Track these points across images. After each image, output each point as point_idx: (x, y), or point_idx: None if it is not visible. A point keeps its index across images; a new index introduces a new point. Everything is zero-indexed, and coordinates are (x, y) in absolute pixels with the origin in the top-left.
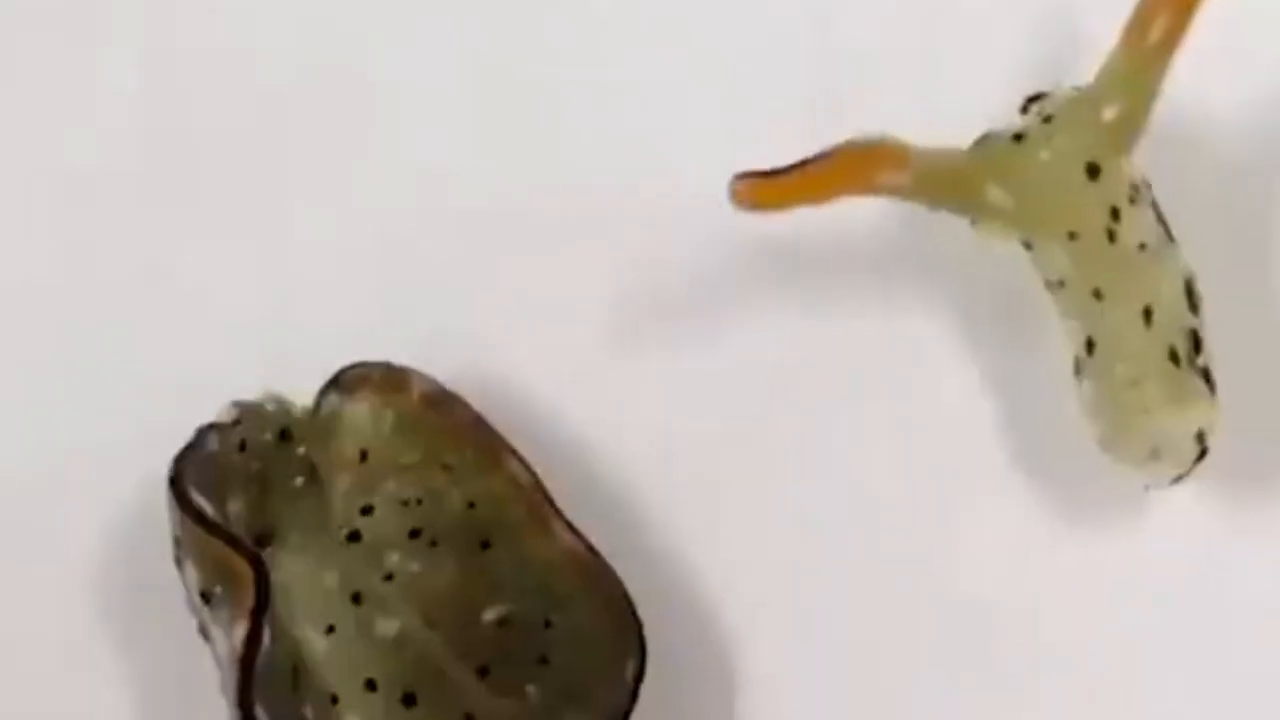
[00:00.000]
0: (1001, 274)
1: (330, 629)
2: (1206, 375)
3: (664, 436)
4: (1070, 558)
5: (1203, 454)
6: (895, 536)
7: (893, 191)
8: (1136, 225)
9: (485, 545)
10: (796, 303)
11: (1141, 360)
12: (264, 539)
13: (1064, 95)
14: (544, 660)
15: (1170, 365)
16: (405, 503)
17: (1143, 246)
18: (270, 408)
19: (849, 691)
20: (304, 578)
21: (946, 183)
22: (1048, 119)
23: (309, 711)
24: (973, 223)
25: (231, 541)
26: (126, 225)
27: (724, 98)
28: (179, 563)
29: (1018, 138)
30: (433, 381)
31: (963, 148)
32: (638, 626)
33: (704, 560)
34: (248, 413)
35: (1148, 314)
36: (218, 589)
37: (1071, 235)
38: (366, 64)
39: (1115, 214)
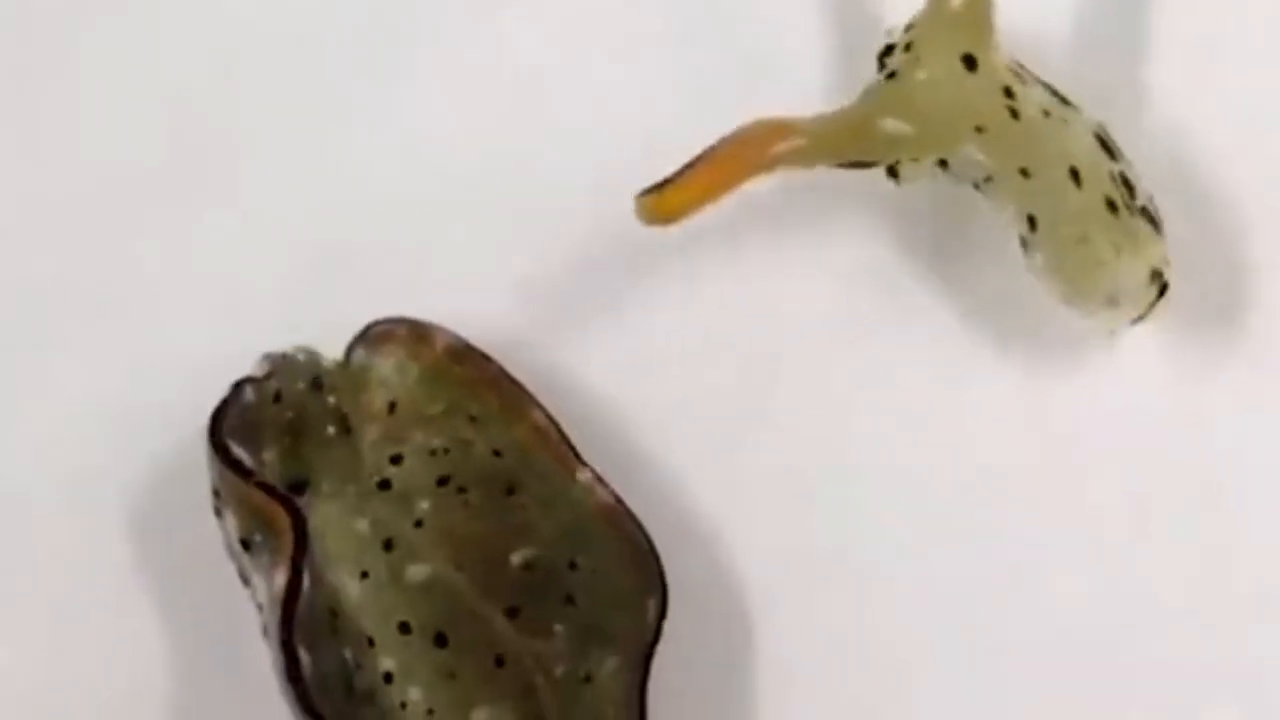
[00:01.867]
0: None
1: (364, 574)
2: (1148, 214)
3: (678, 387)
4: (1061, 425)
5: (1163, 290)
6: (910, 473)
7: (794, 160)
8: (1032, 97)
9: (511, 491)
10: (786, 253)
11: (1083, 217)
12: (298, 486)
13: (910, 24)
14: (570, 600)
15: (1110, 215)
16: (433, 452)
17: (1046, 114)
18: (301, 358)
19: (865, 622)
20: (337, 525)
21: (843, 135)
22: (908, 47)
23: (348, 653)
24: (888, 171)
25: (269, 490)
26: (165, 194)
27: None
28: (219, 512)
29: (891, 75)
30: (455, 336)
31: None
32: (658, 566)
33: (719, 500)
34: (280, 364)
35: (1074, 174)
36: (257, 536)
37: (979, 129)
38: (384, 28)
39: (1009, 92)
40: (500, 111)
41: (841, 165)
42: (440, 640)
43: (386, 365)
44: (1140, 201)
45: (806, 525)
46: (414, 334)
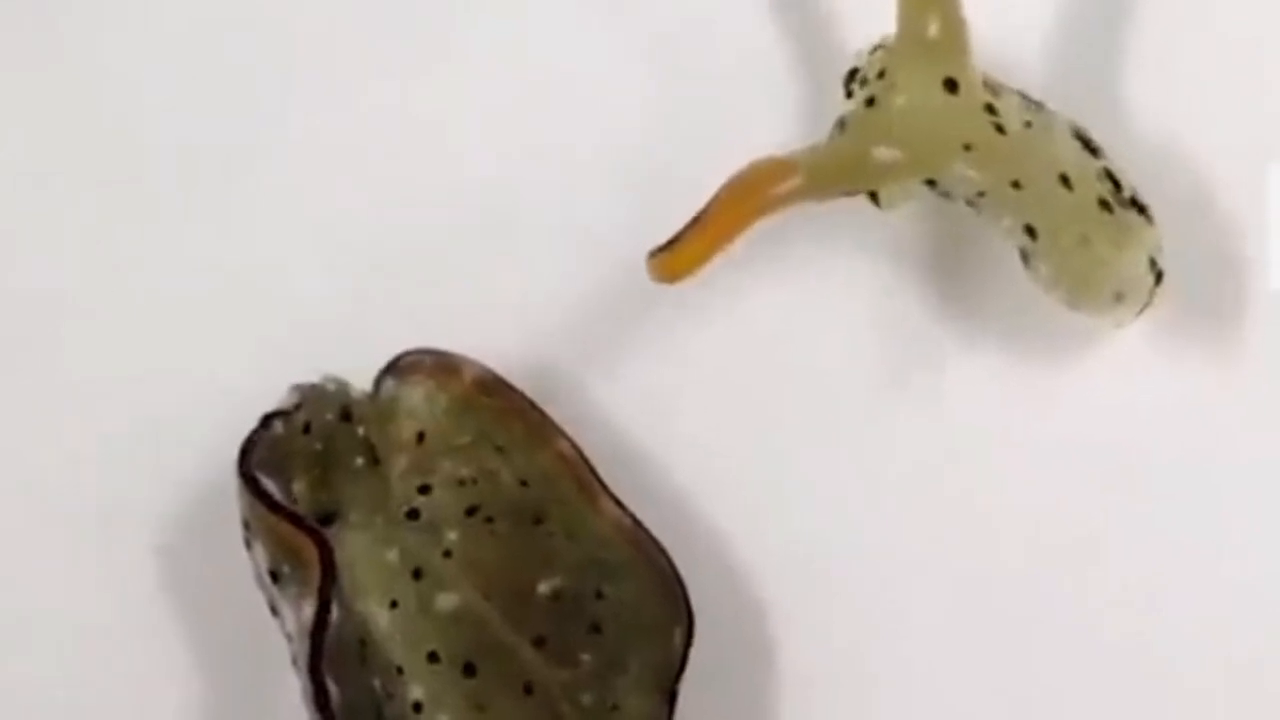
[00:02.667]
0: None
1: (393, 604)
2: (1136, 204)
3: (701, 416)
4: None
5: (1159, 277)
6: (932, 494)
7: (792, 199)
8: (1012, 110)
9: (538, 521)
10: (799, 281)
11: (1080, 220)
12: (328, 517)
13: (881, 49)
14: (597, 629)
15: (1105, 213)
16: (461, 482)
17: (1028, 124)
18: (331, 388)
19: (889, 647)
20: (366, 555)
21: (838, 168)
22: (882, 73)
23: (376, 682)
24: (874, 198)
25: (297, 522)
26: (197, 227)
27: None
28: (248, 544)
29: (870, 102)
30: (482, 366)
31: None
32: (684, 595)
33: (743, 528)
34: (309, 395)
35: (1064, 179)
36: (285, 568)
37: (967, 148)
38: (415, 59)
39: (991, 109)
40: (528, 145)
41: (833, 198)
42: (469, 669)
43: (415, 396)
44: (1128, 193)
45: (828, 551)
46: (442, 365)
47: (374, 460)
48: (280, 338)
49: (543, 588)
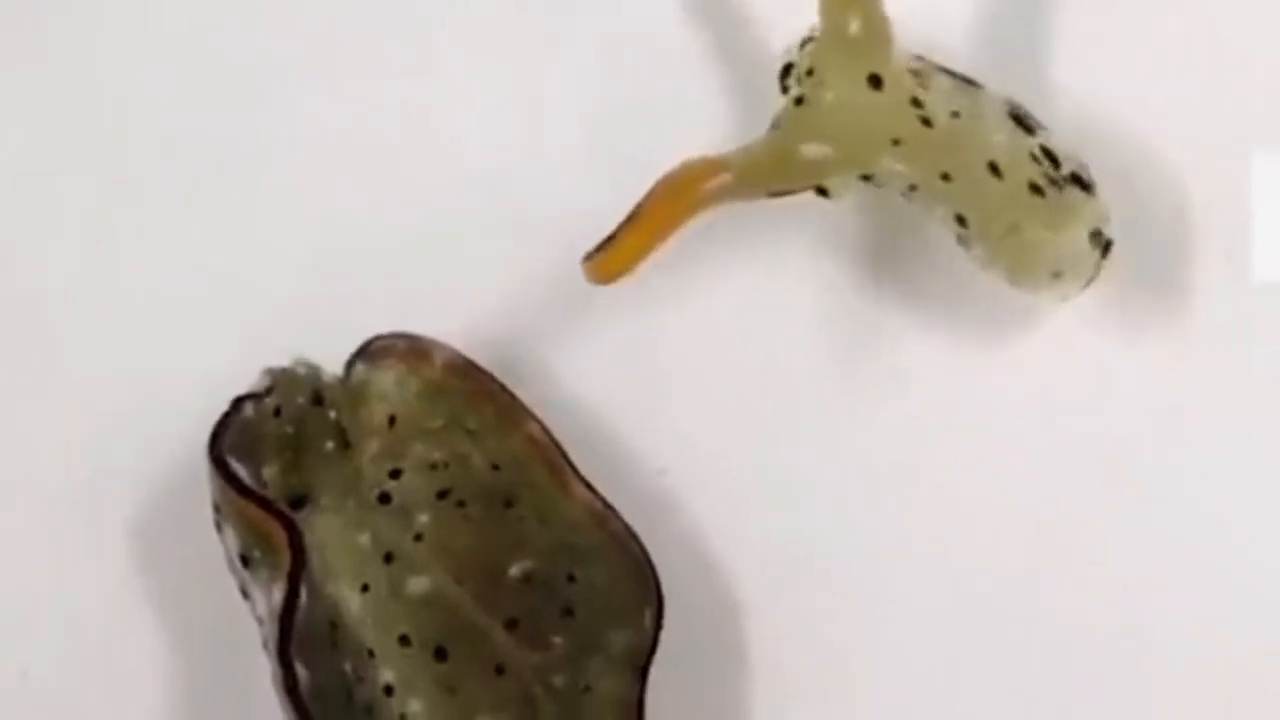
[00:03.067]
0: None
1: (365, 587)
2: (1077, 179)
3: (671, 399)
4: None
5: (1106, 248)
6: (901, 477)
7: (724, 196)
8: (939, 100)
9: (509, 504)
10: (764, 270)
11: (1010, 208)
12: (299, 501)
13: (808, 47)
14: (568, 612)
15: (1036, 198)
16: (433, 466)
17: (956, 114)
18: (301, 371)
19: (859, 630)
20: (338, 538)
21: (767, 165)
22: (810, 71)
23: (348, 666)
24: (817, 189)
25: (267, 507)
26: (168, 210)
27: None
28: (219, 527)
29: (799, 100)
30: (453, 351)
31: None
32: (654, 577)
33: (713, 511)
34: (280, 378)
35: (994, 168)
36: (256, 552)
37: (895, 142)
38: (389, 49)
39: (917, 102)
40: (499, 132)
41: (769, 195)
42: (440, 653)
43: (386, 380)
44: (1067, 169)
45: (796, 534)
46: (413, 349)
47: (345, 444)
48: (251, 323)
49: (514, 571)
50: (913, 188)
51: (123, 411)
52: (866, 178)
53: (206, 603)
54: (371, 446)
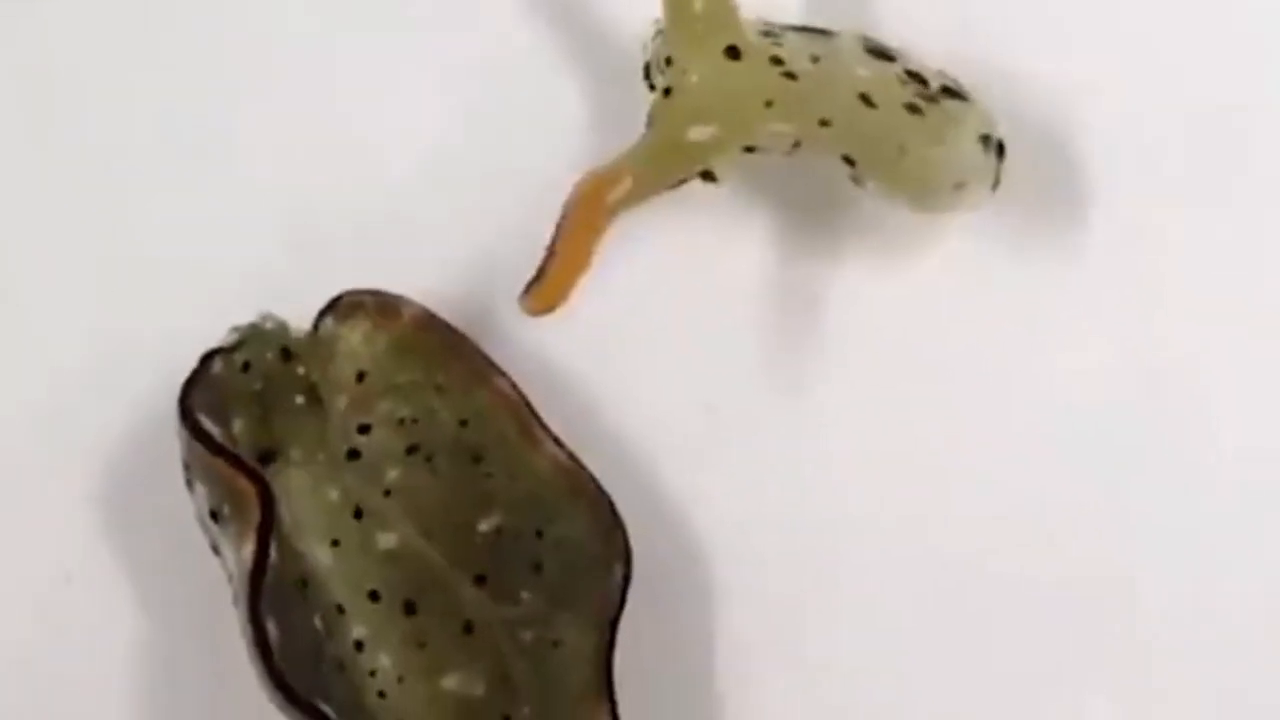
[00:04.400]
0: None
1: (335, 542)
2: (949, 91)
3: (640, 358)
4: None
5: (1000, 150)
6: (866, 441)
7: (629, 202)
8: (796, 53)
9: (477, 460)
10: (725, 236)
11: (892, 132)
12: (269, 456)
13: (659, 39)
14: (537, 568)
15: (916, 117)
16: (401, 421)
17: (815, 59)
18: (269, 326)
19: (823, 585)
20: (307, 494)
21: (660, 160)
22: (669, 61)
23: (318, 621)
24: (702, 176)
25: (237, 463)
26: (138, 169)
27: None
28: (189, 484)
29: (667, 91)
30: (421, 307)
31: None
32: (623, 533)
33: (681, 468)
34: (248, 334)
35: (865, 99)
36: (226, 508)
37: (768, 104)
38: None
39: (777, 60)
40: (468, 93)
41: (668, 189)
42: (409, 608)
43: (354, 336)
44: (935, 85)
45: (763, 490)
46: (381, 305)
47: (314, 399)
48: (219, 283)
49: (483, 526)
50: (796, 144)
51: (93, 369)
52: (750, 149)
53: (177, 559)
54: (340, 402)
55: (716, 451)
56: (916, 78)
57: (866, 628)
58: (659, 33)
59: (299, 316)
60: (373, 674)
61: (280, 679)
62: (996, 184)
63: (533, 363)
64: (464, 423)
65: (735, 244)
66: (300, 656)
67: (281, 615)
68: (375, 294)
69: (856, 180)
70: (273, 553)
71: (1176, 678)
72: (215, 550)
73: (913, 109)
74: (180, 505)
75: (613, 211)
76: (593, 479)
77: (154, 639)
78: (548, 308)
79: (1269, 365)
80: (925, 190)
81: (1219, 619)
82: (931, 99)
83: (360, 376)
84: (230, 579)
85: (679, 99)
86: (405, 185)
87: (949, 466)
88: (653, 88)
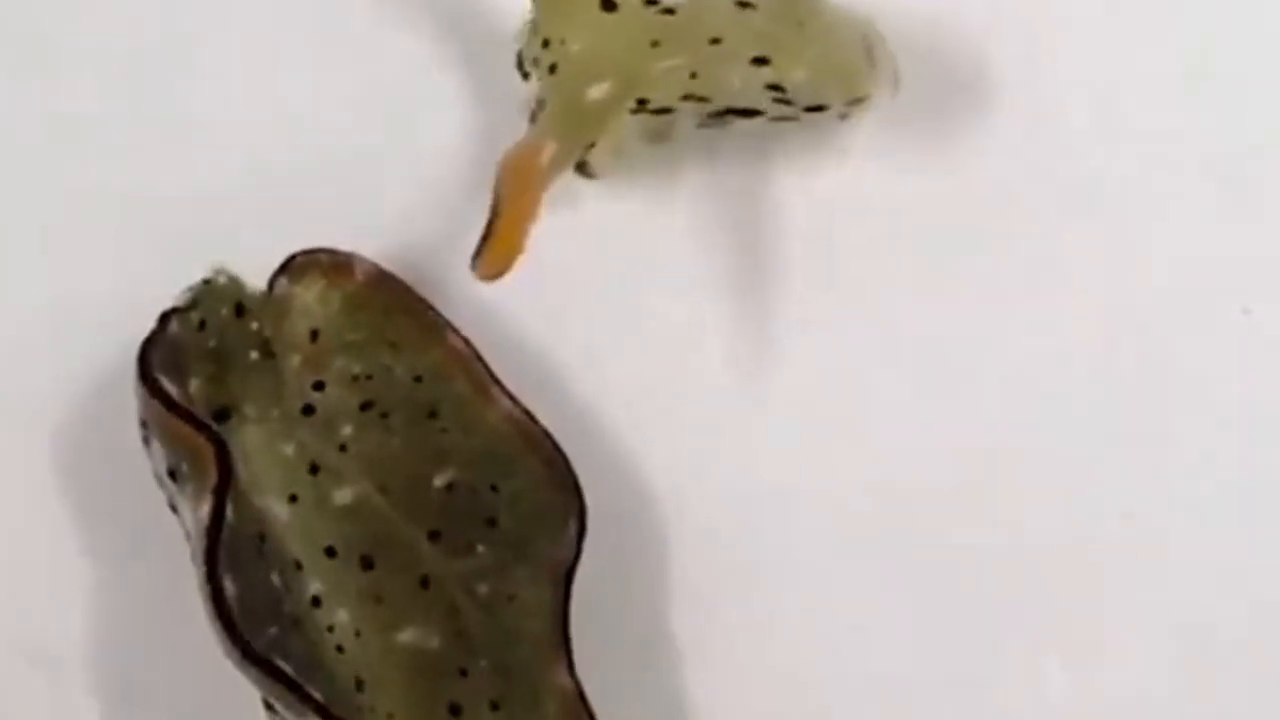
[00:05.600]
0: None
1: (292, 498)
2: None
3: (591, 312)
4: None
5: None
6: (807, 391)
7: (559, 167)
8: None
9: (432, 415)
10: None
11: (781, 16)
12: (225, 413)
13: (531, 22)
14: (492, 522)
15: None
16: (355, 378)
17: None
18: (223, 281)
19: (775, 536)
20: (264, 449)
21: (573, 123)
22: (546, 43)
23: (275, 578)
24: (578, 169)
25: (193, 422)
26: (91, 130)
27: None
28: (146, 442)
29: (553, 68)
30: (375, 265)
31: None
32: (577, 487)
33: (633, 422)
34: (203, 292)
35: (742, 4)
36: (183, 467)
37: (655, 44)
38: None
39: (651, 2)
40: (414, 53)
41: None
42: (366, 563)
43: (308, 294)
44: None
45: (717, 447)
46: (335, 264)
47: (268, 355)
48: (174, 245)
49: (438, 481)
50: (694, 76)
51: (50, 330)
52: (643, 103)
53: (136, 517)
54: (294, 360)
55: (669, 405)
56: None
57: (820, 584)
58: (527, 24)
59: (254, 278)
60: (330, 629)
61: (237, 636)
62: (895, 64)
63: (486, 319)
64: (418, 379)
65: (682, 204)
66: (257, 613)
67: (238, 572)
68: (329, 252)
69: (779, 88)
70: (229, 511)
71: (1128, 640)
72: (173, 508)
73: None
74: (140, 463)
75: (549, 176)
76: (546, 434)
77: (113, 596)
78: (497, 272)
79: (1215, 294)
80: (844, 67)
81: (1171, 581)
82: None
83: (314, 334)
84: (188, 536)
85: (565, 69)
86: (358, 146)
87: (902, 418)
88: (526, 76)
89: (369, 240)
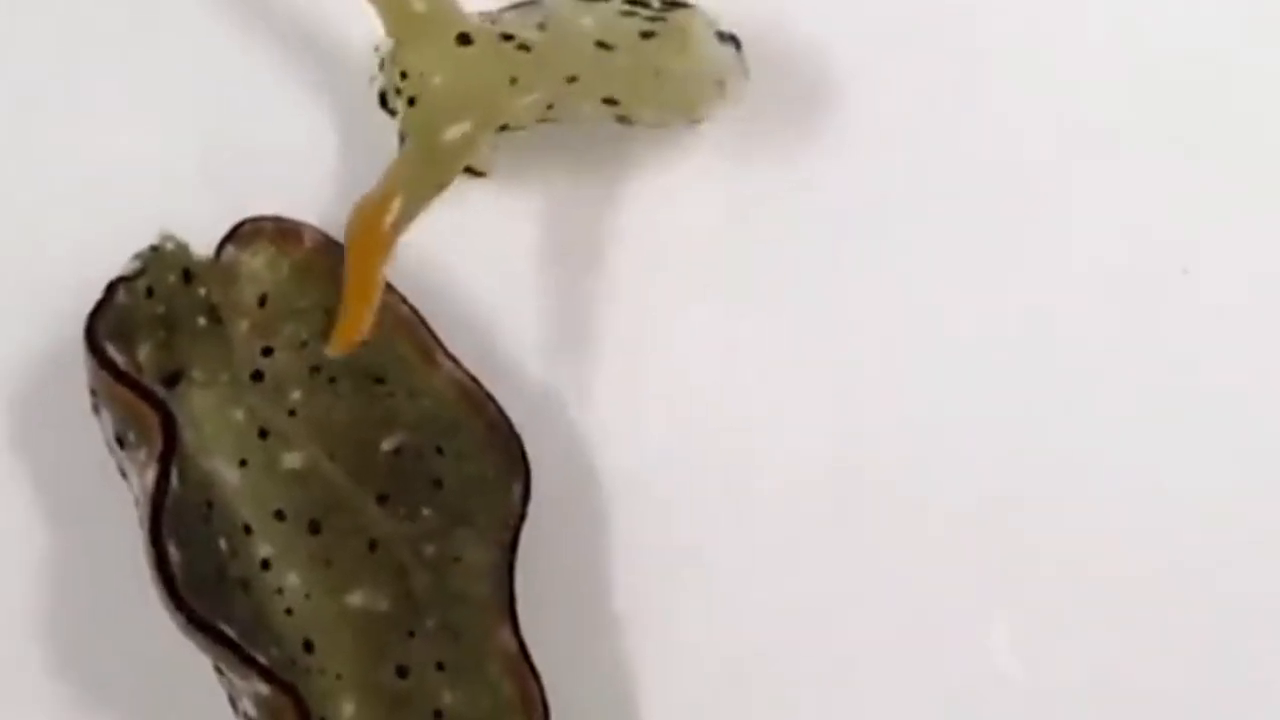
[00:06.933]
0: None
1: (242, 462)
2: (669, 2)
3: (536, 277)
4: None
5: (735, 41)
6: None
7: (407, 220)
8: (521, 26)
9: (379, 380)
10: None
11: (639, 63)
12: (175, 378)
13: (385, 56)
14: (438, 484)
15: (652, 40)
16: (304, 344)
17: (541, 26)
18: (170, 247)
19: (718, 494)
20: (213, 413)
21: (424, 170)
22: (404, 75)
23: (222, 543)
24: (471, 171)
25: (139, 390)
26: (40, 98)
27: None
28: (96, 410)
29: (412, 101)
30: (323, 233)
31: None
32: (521, 449)
33: (576, 385)
34: (150, 259)
35: (602, 45)
36: (131, 435)
37: (513, 80)
38: None
39: (507, 36)
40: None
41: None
42: (314, 527)
43: (256, 261)
44: (656, 2)
45: (662, 409)
46: (283, 231)
47: (216, 320)
48: (125, 211)
49: (385, 445)
50: (550, 107)
51: (1, 299)
52: (504, 127)
53: (88, 484)
54: (242, 326)
55: (615, 372)
56: (636, 2)
57: (766, 552)
58: (383, 58)
59: (202, 246)
60: (279, 592)
61: (181, 602)
62: (748, 72)
63: (431, 285)
64: (364, 344)
65: (618, 175)
66: (202, 579)
67: (184, 538)
68: (276, 220)
69: (625, 119)
70: (174, 478)
71: (1076, 606)
72: (123, 474)
73: (647, 35)
74: (92, 431)
75: (394, 235)
76: (491, 397)
77: (65, 563)
78: (354, 340)
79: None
80: (694, 99)
81: (1117, 545)
82: (658, 18)
83: (262, 300)
84: (137, 503)
85: (426, 102)
86: (305, 116)
87: (845, 392)
88: (392, 113)
89: (317, 209)
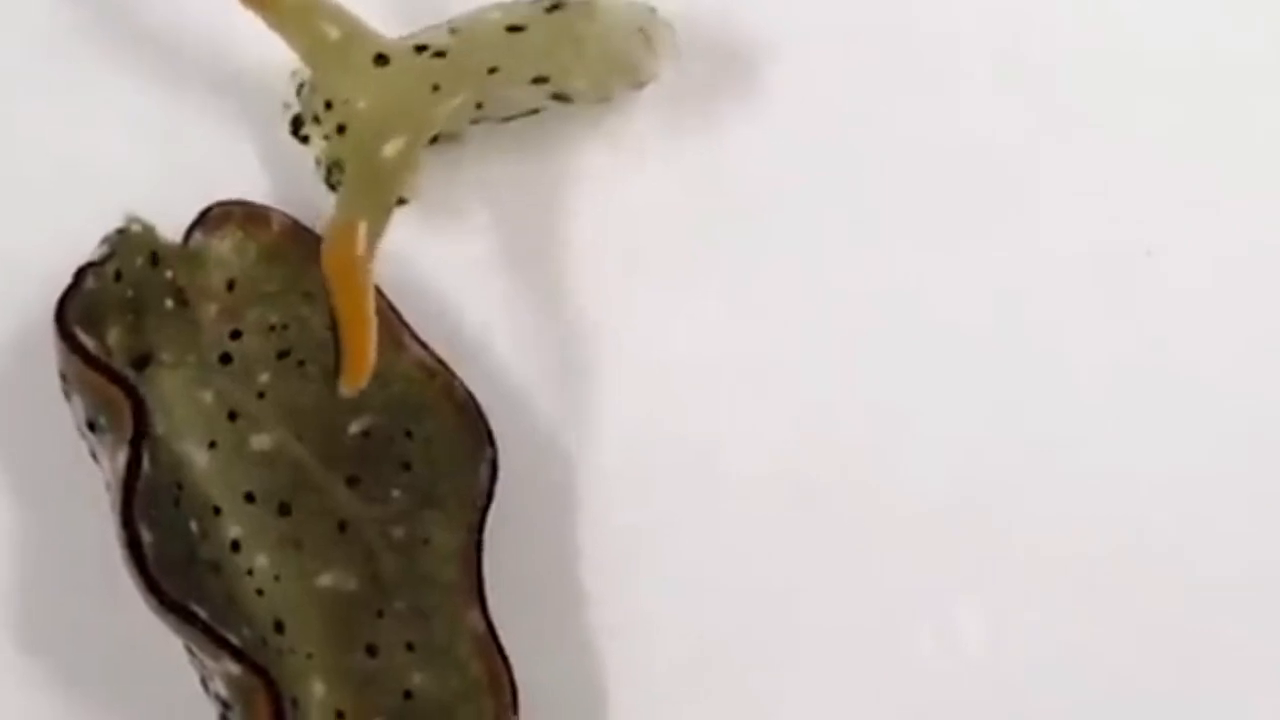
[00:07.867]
0: None
1: (212, 444)
2: None
3: (503, 262)
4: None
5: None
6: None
7: (375, 244)
8: (433, 33)
9: None
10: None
11: (559, 35)
12: (144, 361)
13: (305, 88)
14: (406, 467)
15: (563, 13)
16: (272, 328)
17: (454, 30)
18: (136, 229)
19: (680, 475)
20: (183, 396)
21: (375, 193)
22: (329, 104)
23: (193, 525)
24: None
25: (109, 374)
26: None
27: None
28: (67, 395)
29: (341, 129)
30: (290, 217)
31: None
32: (488, 432)
33: (543, 366)
34: (118, 243)
35: (514, 29)
36: (102, 419)
37: (435, 88)
38: None
39: (421, 48)
40: None
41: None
42: (284, 509)
43: (224, 245)
44: None
45: (628, 390)
46: (251, 215)
47: (183, 303)
48: (94, 197)
49: (353, 428)
50: (480, 106)
51: None
52: (436, 139)
53: (60, 468)
54: (211, 310)
55: (582, 354)
56: None
57: (733, 529)
58: (302, 85)
59: (171, 234)
60: (250, 573)
61: (153, 584)
62: (673, 30)
63: (398, 268)
64: (333, 328)
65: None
66: (174, 561)
67: (155, 521)
68: (244, 205)
69: (560, 96)
70: (145, 461)
71: (1043, 589)
72: (95, 458)
73: (553, 8)
74: (64, 416)
75: (368, 260)
76: (458, 379)
77: (38, 547)
78: (362, 376)
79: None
80: (622, 59)
81: (1084, 528)
82: (565, 4)
83: (231, 284)
84: (108, 487)
85: (357, 128)
86: (271, 102)
87: (814, 375)
88: (304, 140)
89: (284, 194)
